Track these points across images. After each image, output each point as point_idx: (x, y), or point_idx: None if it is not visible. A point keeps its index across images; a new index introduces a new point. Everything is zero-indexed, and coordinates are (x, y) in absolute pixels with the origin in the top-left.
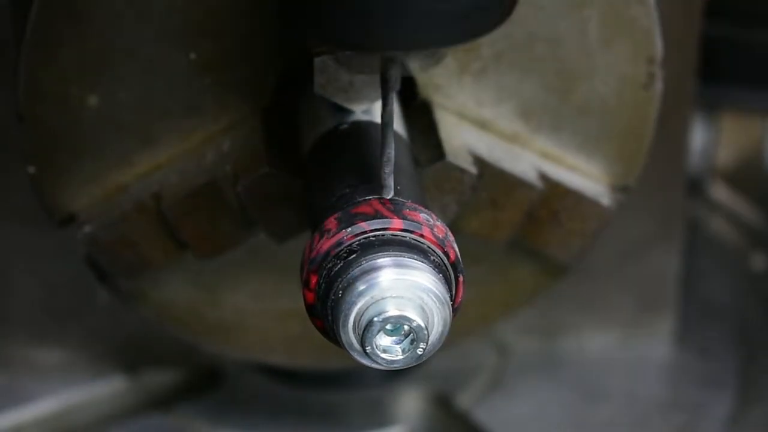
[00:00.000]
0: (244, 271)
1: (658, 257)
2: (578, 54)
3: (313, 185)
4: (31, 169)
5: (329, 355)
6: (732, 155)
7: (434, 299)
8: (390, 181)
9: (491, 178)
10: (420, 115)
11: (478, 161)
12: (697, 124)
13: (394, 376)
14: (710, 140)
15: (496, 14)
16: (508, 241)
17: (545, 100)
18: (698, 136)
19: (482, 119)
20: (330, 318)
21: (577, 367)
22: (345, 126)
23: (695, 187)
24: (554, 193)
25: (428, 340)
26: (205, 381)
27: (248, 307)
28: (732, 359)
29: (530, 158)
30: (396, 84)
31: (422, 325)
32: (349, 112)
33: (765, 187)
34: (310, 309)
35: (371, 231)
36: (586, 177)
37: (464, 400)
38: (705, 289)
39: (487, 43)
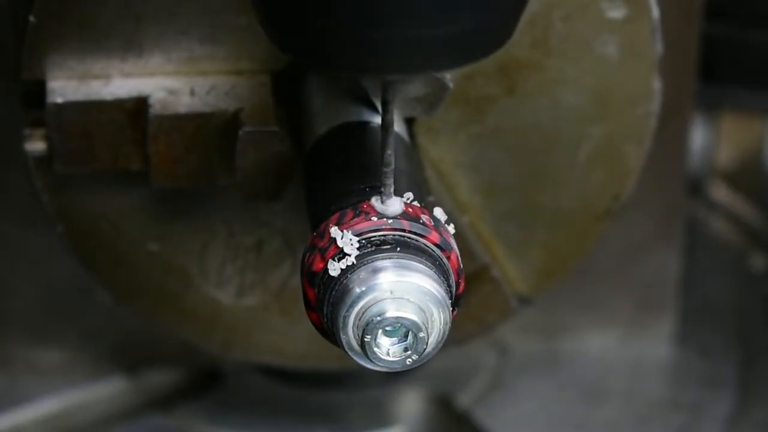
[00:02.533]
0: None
1: (658, 257)
2: (564, 163)
3: (314, 182)
4: (32, 18)
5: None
6: (732, 155)
7: (434, 301)
8: (390, 181)
9: None
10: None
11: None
12: (697, 124)
13: (395, 376)
14: (710, 140)
15: (491, 41)
16: None
17: (514, 189)
18: (698, 136)
19: (449, 179)
20: (329, 318)
21: (577, 367)
22: (352, 124)
23: (695, 187)
24: (479, 274)
25: (427, 342)
26: (205, 381)
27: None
28: (732, 359)
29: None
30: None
31: (422, 326)
32: (362, 109)
33: (765, 187)
34: (310, 309)
35: (373, 231)
36: (503, 274)
37: (464, 400)
38: (705, 289)
39: (495, 114)
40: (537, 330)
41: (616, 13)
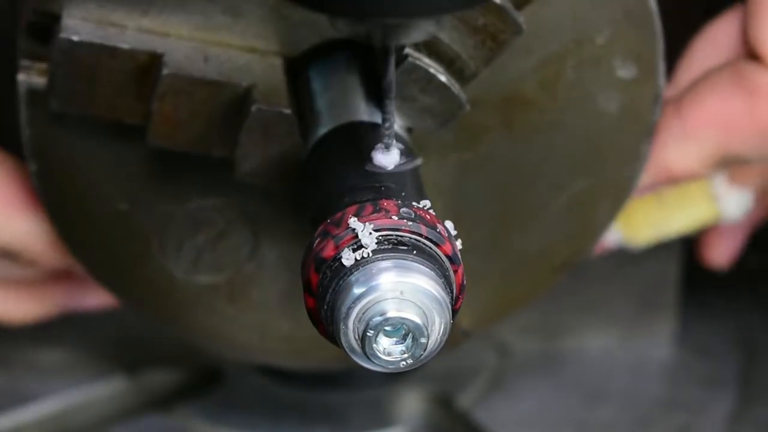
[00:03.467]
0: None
1: (657, 257)
2: (538, 207)
3: (322, 171)
4: None
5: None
6: None
7: (434, 302)
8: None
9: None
10: None
11: None
12: None
13: (395, 376)
14: None
15: None
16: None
17: (485, 223)
18: None
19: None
20: (330, 308)
21: (578, 367)
22: (364, 122)
23: None
24: None
25: (428, 342)
26: (205, 381)
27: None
28: (732, 359)
29: None
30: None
31: (422, 326)
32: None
33: None
34: (310, 295)
35: (391, 230)
36: None
37: (464, 400)
38: (705, 289)
39: (487, 145)
40: (537, 330)
41: (626, 73)
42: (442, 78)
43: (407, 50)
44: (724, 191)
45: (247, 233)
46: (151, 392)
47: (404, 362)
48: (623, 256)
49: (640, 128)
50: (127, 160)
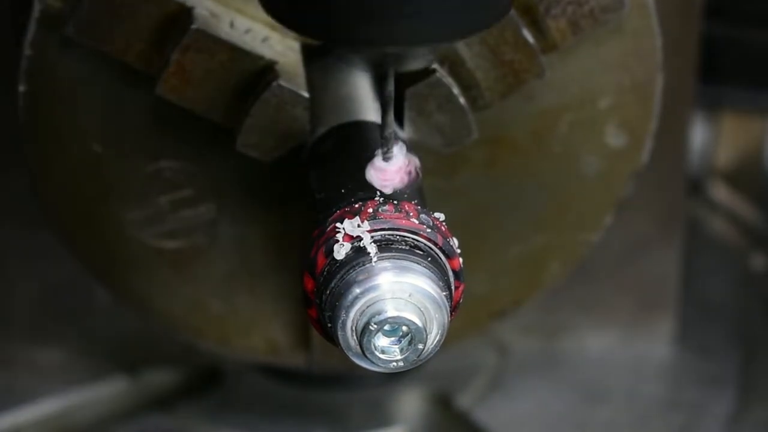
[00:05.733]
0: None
1: (658, 257)
2: (491, 252)
3: (320, 176)
4: None
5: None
6: (732, 155)
7: (432, 303)
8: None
9: (469, 51)
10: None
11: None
12: (697, 124)
13: (395, 376)
14: (710, 140)
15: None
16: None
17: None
18: (698, 136)
19: None
20: (327, 317)
21: (577, 367)
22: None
23: (695, 187)
24: None
25: (426, 342)
26: (205, 381)
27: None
28: (732, 359)
29: None
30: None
31: (421, 326)
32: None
33: (765, 187)
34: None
35: (409, 233)
36: None
37: (464, 400)
38: (705, 289)
39: (465, 178)
40: (537, 330)
41: (616, 141)
42: (461, 100)
43: (435, 65)
44: None
45: (211, 206)
46: (151, 392)
47: (401, 363)
48: (623, 256)
49: (609, 199)
50: (117, 103)
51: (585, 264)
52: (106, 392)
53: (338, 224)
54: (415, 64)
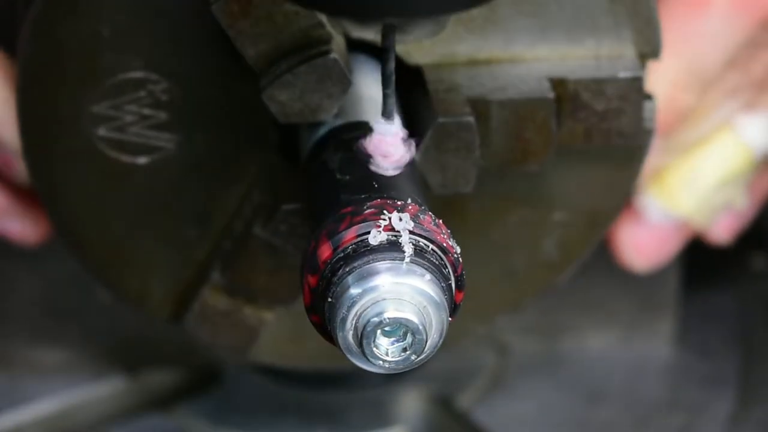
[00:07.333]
0: None
1: None
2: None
3: (317, 181)
4: None
5: None
6: None
7: (432, 304)
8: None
9: (500, 112)
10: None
11: (477, 102)
12: None
13: (395, 376)
14: None
15: None
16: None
17: None
18: None
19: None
20: (327, 318)
21: (578, 367)
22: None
23: None
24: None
25: (425, 343)
26: (205, 381)
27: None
28: (732, 359)
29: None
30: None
31: (420, 327)
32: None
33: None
34: (309, 307)
35: (426, 239)
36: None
37: (464, 400)
38: (705, 289)
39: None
40: (537, 330)
41: (546, 255)
42: (478, 153)
43: (468, 109)
44: (743, 120)
45: (181, 129)
46: (151, 392)
47: (400, 364)
48: None
49: (513, 299)
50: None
51: (585, 264)
52: (106, 392)
53: (385, 212)
54: (418, 33)
